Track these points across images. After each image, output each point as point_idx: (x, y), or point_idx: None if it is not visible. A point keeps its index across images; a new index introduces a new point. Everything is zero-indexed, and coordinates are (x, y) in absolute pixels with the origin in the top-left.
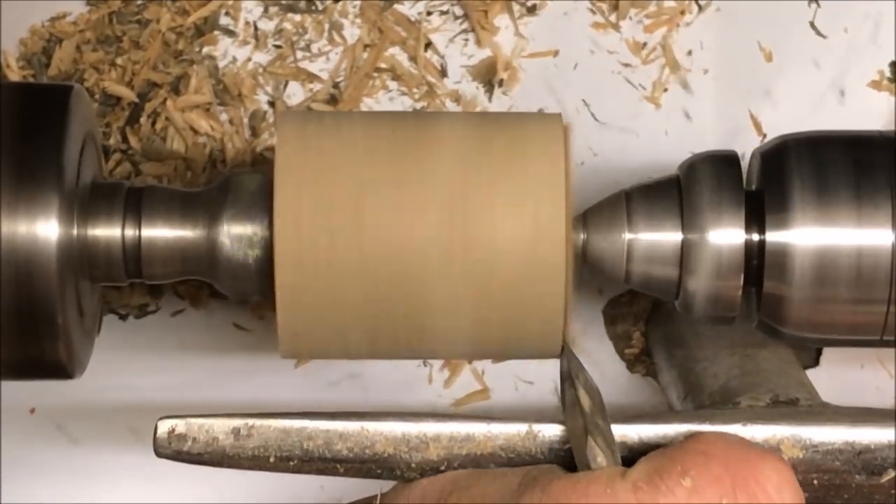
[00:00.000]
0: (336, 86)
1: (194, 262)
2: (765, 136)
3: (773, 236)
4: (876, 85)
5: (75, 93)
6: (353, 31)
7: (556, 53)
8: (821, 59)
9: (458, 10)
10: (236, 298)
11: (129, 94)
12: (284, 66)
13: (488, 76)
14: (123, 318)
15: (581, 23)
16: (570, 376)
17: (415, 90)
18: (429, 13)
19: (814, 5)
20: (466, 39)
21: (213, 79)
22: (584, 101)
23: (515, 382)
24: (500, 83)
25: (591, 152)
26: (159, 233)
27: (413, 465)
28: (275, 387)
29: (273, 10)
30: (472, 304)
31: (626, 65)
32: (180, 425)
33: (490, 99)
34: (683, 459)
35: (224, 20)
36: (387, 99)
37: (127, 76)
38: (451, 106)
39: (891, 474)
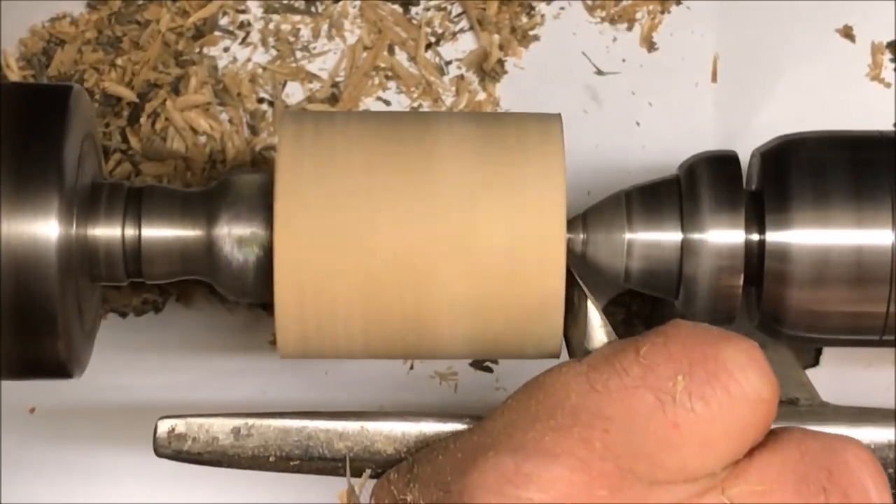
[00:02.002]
0: (335, 85)
1: (194, 262)
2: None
3: (773, 236)
4: (875, 79)
5: (75, 93)
6: (353, 31)
7: (552, 49)
8: (821, 58)
9: (456, 8)
10: (236, 298)
11: (129, 94)
12: (284, 65)
13: (480, 63)
14: (123, 315)
15: (579, 20)
16: (571, 273)
17: (413, 89)
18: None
19: (814, 4)
20: (457, 37)
21: (212, 79)
22: (581, 99)
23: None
24: (494, 74)
25: (590, 152)
26: (159, 233)
27: None
28: (275, 387)
29: (273, 10)
30: (471, 305)
31: (625, 62)
32: (180, 425)
33: (484, 88)
34: (643, 341)
35: (224, 21)
36: (386, 97)
37: (127, 76)
38: (449, 96)
39: None
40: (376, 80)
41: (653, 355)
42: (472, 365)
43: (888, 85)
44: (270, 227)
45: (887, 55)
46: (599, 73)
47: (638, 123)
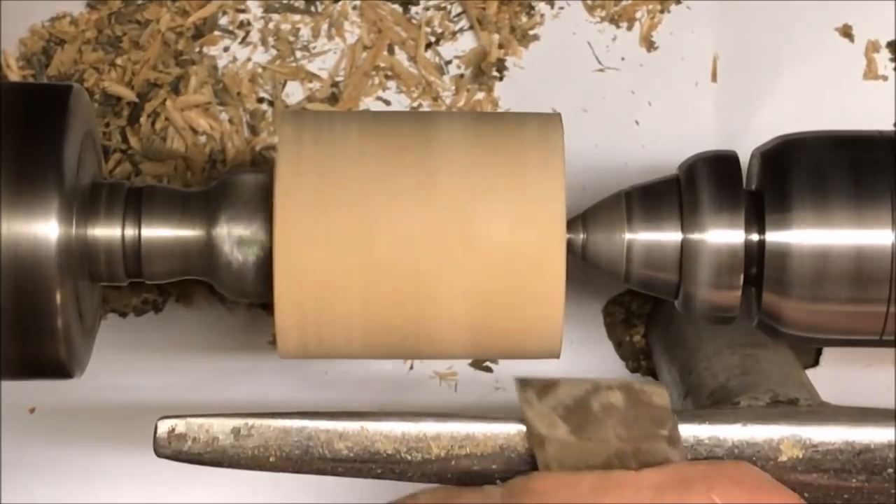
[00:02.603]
0: (335, 85)
1: (194, 262)
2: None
3: (772, 236)
4: (875, 78)
5: (75, 93)
6: (352, 31)
7: (552, 49)
8: (821, 58)
9: (456, 8)
10: (236, 298)
11: (129, 94)
12: (284, 65)
13: (480, 63)
14: (123, 315)
15: (578, 20)
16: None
17: (413, 89)
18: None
19: (814, 4)
20: (457, 36)
21: (212, 78)
22: (581, 99)
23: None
24: (494, 72)
25: (590, 152)
26: (159, 233)
27: (413, 465)
28: (275, 387)
29: (272, 10)
30: (471, 304)
31: (624, 62)
32: (180, 425)
33: (484, 87)
34: (711, 476)
35: (224, 20)
36: (386, 97)
37: (127, 76)
38: (449, 95)
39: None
40: (376, 80)
41: (724, 495)
42: (472, 365)
43: (888, 84)
44: (270, 227)
45: (886, 55)
46: (601, 67)
47: (637, 123)
